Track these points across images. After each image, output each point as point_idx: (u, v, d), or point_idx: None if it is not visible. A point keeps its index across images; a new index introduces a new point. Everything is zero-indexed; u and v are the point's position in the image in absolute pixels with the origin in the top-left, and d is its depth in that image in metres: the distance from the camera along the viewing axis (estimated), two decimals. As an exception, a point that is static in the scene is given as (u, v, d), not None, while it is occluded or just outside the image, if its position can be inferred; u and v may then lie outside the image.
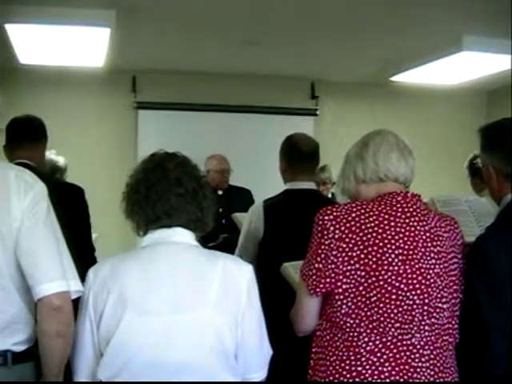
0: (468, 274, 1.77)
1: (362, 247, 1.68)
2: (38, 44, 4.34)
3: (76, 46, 4.39)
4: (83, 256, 2.58)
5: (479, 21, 4.01)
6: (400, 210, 1.74)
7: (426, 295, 1.69)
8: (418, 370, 1.66)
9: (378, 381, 1.64)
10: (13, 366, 1.69)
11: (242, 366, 1.65)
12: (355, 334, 1.67)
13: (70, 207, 2.60)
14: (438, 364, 1.70)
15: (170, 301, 1.59)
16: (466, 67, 4.97)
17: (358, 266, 1.67)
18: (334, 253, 1.69)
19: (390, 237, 1.69)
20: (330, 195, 4.88)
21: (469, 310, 1.76)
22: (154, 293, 1.59)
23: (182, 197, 1.67)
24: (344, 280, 1.68)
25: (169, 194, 1.66)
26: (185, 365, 1.57)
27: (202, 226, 1.73)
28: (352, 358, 1.67)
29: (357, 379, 1.65)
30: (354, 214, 1.72)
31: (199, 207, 1.70)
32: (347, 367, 1.66)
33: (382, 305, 1.66)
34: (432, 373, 1.68)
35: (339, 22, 4.24)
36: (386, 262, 1.67)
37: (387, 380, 1.64)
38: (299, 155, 2.76)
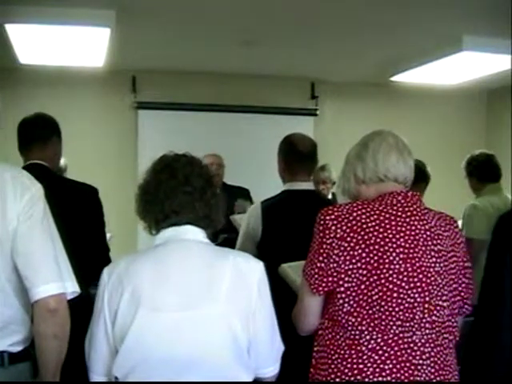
0: (493, 247, 1.78)
1: (363, 246, 1.69)
2: (38, 44, 4.35)
3: (76, 46, 4.40)
4: (98, 256, 2.57)
5: (479, 21, 4.01)
6: (400, 209, 1.75)
7: (426, 293, 1.70)
8: (419, 367, 1.67)
9: (380, 379, 1.65)
10: (9, 367, 1.69)
11: (254, 361, 1.66)
12: (357, 332, 1.68)
13: (84, 207, 2.61)
14: (439, 362, 1.71)
15: (183, 297, 1.60)
16: (465, 67, 4.97)
17: (359, 264, 1.68)
18: (335, 252, 1.70)
19: (390, 236, 1.70)
20: (330, 195, 4.88)
21: (489, 282, 1.77)
22: (166, 290, 1.61)
23: (189, 194, 1.68)
24: (346, 279, 1.69)
25: (176, 192, 1.68)
26: (199, 360, 1.58)
27: (211, 223, 1.75)
28: (354, 356, 1.68)
29: (358, 377, 1.66)
30: (355, 214, 1.73)
31: (207, 205, 1.71)
32: (349, 365, 1.68)
33: (383, 303, 1.67)
34: (432, 370, 1.69)
35: (339, 21, 4.25)
36: (387, 261, 1.68)
37: (388, 378, 1.65)
38: (297, 155, 2.75)
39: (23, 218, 1.68)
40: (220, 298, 1.60)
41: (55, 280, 1.67)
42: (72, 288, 1.71)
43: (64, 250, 1.76)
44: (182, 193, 1.68)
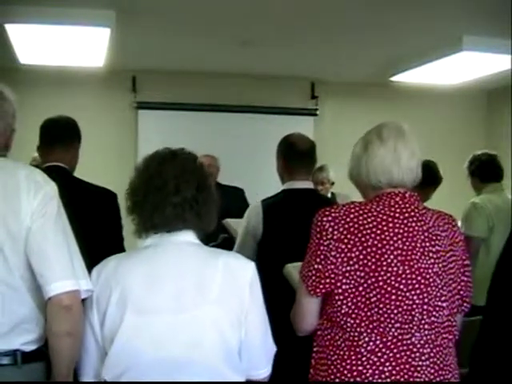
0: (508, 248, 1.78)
1: (360, 248, 1.68)
2: (38, 44, 4.35)
3: (76, 46, 4.40)
4: None
5: (479, 21, 4.01)
6: (398, 210, 1.74)
7: (425, 294, 1.69)
8: (419, 368, 1.67)
9: (379, 380, 1.64)
10: (22, 366, 1.68)
11: (246, 362, 1.65)
12: (356, 333, 1.68)
13: (102, 211, 2.59)
14: (438, 362, 1.70)
15: (173, 299, 1.59)
16: (465, 67, 4.97)
17: (357, 266, 1.67)
18: (333, 253, 1.70)
19: (388, 237, 1.70)
20: (329, 195, 4.88)
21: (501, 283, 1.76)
22: (156, 291, 1.60)
23: (179, 206, 1.65)
24: (343, 280, 1.68)
25: (165, 204, 1.64)
26: (188, 362, 1.57)
27: (202, 229, 1.72)
28: (353, 357, 1.67)
29: (358, 378, 1.65)
30: (352, 215, 1.72)
31: (198, 215, 1.67)
32: (348, 366, 1.67)
33: (381, 305, 1.66)
34: (432, 371, 1.68)
35: (339, 21, 4.25)
36: (384, 263, 1.67)
37: (388, 379, 1.64)
38: (296, 154, 2.76)
39: (37, 216, 1.68)
40: (211, 301, 1.59)
41: (69, 277, 1.66)
42: (86, 286, 1.69)
43: (78, 248, 1.75)
44: (172, 206, 1.64)
